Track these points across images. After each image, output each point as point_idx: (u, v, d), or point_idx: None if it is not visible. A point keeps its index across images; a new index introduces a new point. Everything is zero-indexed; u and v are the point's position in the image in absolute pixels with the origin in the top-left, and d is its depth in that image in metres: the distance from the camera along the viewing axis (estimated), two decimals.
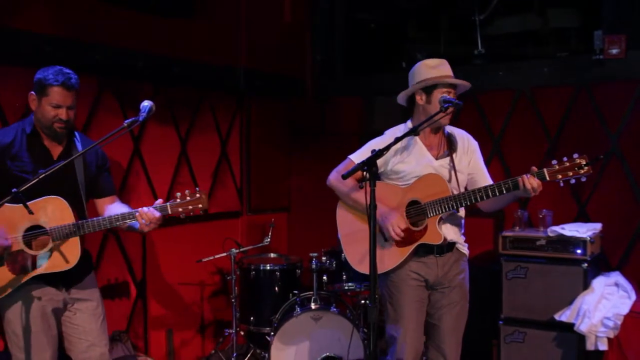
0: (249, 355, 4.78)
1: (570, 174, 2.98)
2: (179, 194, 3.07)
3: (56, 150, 3.12)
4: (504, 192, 3.08)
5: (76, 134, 3.23)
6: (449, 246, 3.32)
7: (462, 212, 3.40)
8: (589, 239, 4.13)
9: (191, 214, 3.07)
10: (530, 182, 2.99)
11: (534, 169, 3.03)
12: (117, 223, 3.03)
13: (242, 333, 4.74)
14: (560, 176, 2.99)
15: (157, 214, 3.02)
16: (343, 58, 6.11)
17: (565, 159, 3.00)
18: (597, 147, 4.59)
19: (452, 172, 3.30)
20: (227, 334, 4.72)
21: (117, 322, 4.43)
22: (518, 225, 4.58)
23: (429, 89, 3.28)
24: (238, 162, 5.52)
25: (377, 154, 2.83)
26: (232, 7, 5.32)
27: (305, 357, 4.26)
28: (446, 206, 3.18)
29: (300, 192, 6.05)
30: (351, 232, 3.41)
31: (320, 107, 6.02)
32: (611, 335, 3.88)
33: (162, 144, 4.77)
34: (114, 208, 3.26)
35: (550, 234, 4.25)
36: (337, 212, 3.48)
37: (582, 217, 4.69)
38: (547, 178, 3.01)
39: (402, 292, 3.33)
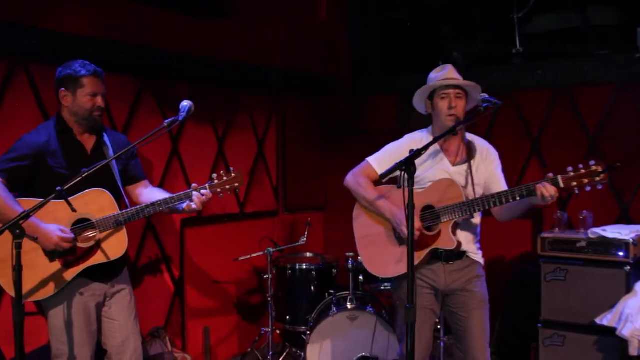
0: (284, 354, 4.80)
1: (586, 181, 2.89)
2: (215, 175, 3.10)
3: (89, 143, 3.17)
4: (518, 198, 3.01)
5: (104, 127, 3.28)
6: (458, 254, 3.27)
7: (477, 219, 3.34)
8: (631, 241, 4.04)
9: (229, 193, 3.12)
10: (547, 189, 2.91)
11: (550, 175, 2.95)
12: (160, 209, 3.06)
13: (278, 332, 4.76)
14: (575, 183, 2.90)
15: (210, 193, 3.06)
16: (378, 56, 6.09)
17: (581, 165, 2.92)
18: (639, 147, 4.49)
19: (469, 179, 3.27)
20: (263, 332, 4.74)
21: (156, 319, 4.50)
22: (557, 227, 4.51)
23: (430, 95, 3.32)
24: (274, 161, 5.54)
25: (416, 153, 2.81)
26: (268, 7, 5.34)
27: (341, 357, 4.25)
28: (460, 211, 3.15)
29: (335, 191, 6.03)
30: (368, 234, 3.44)
31: (355, 106, 6.00)
32: None
33: (200, 143, 4.82)
34: (149, 193, 3.32)
35: (591, 236, 4.17)
36: (354, 215, 3.52)
37: (625, 219, 4.59)
38: (562, 185, 2.92)
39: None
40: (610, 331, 3.91)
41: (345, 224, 5.85)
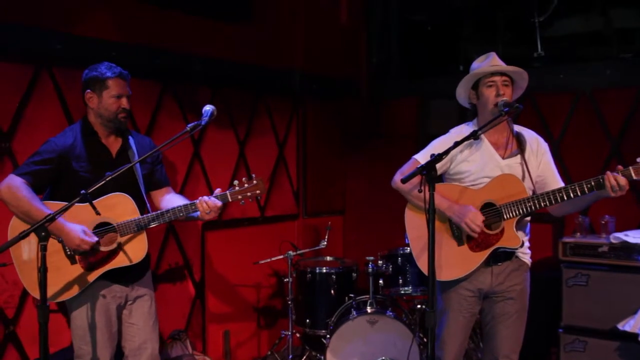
0: (304, 357, 4.81)
1: None
2: (236, 182, 3.12)
3: (114, 147, 3.21)
4: (587, 192, 2.92)
5: (130, 130, 3.31)
6: (506, 254, 3.17)
7: (528, 216, 3.23)
8: None
9: (250, 200, 3.12)
10: (618, 180, 2.83)
11: (620, 167, 2.87)
12: (180, 215, 3.10)
13: (298, 335, 4.77)
14: None
15: (218, 203, 3.08)
16: (398, 60, 6.09)
17: None
18: None
19: (525, 171, 3.16)
20: (283, 335, 4.75)
21: (177, 321, 4.53)
22: (579, 232, 4.48)
23: (475, 85, 3.21)
24: (295, 165, 5.56)
25: (436, 158, 2.75)
26: (289, 11, 5.37)
27: None
28: (524, 208, 3.03)
29: (355, 195, 6.05)
30: (421, 235, 3.21)
31: (376, 110, 6.01)
32: None
33: (221, 146, 4.86)
34: (171, 199, 3.35)
35: (613, 241, 4.14)
36: (406, 215, 3.35)
37: None
38: (634, 176, 2.84)
39: (452, 308, 3.26)
40: (633, 337, 3.87)
41: (365, 227, 5.91)
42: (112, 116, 3.12)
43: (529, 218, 3.27)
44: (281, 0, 5.30)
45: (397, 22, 6.09)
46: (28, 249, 3.01)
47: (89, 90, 3.12)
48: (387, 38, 6.09)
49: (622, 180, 2.84)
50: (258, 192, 3.13)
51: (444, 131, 3.42)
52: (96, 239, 2.99)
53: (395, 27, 6.09)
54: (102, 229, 3.05)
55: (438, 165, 2.99)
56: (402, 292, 4.43)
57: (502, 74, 3.16)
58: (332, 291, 4.63)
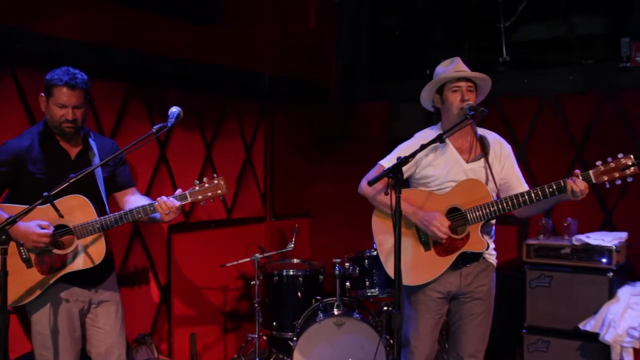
0: None
1: (617, 175, 2.89)
2: (197, 182, 3.07)
3: (73, 149, 3.16)
4: (548, 196, 2.98)
5: (90, 132, 3.25)
6: (474, 256, 3.21)
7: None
8: (614, 247, 4.09)
9: (212, 200, 3.07)
10: (577, 184, 2.90)
11: (578, 172, 2.94)
12: (139, 216, 3.05)
13: (264, 338, 4.76)
14: (606, 177, 2.90)
15: (177, 203, 3.03)
16: (367, 64, 6.12)
17: (609, 159, 2.90)
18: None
19: (489, 174, 3.21)
20: (249, 338, 4.73)
21: (142, 325, 4.48)
22: (542, 234, 4.56)
23: (440, 88, 3.25)
24: (262, 167, 5.55)
25: (403, 161, 2.79)
26: (258, 13, 5.36)
27: None
28: (489, 212, 3.08)
29: (323, 198, 6.06)
30: (388, 241, 3.27)
31: (344, 113, 6.03)
32: (637, 346, 3.84)
33: (188, 149, 4.82)
34: (134, 201, 3.29)
35: (575, 243, 4.22)
36: (373, 221, 3.38)
37: (608, 226, 4.64)
38: (594, 180, 2.91)
39: (420, 311, 3.29)
40: (594, 336, 3.96)
41: (333, 230, 5.93)
42: (56, 124, 3.06)
43: (494, 221, 3.31)
44: (250, 2, 5.28)
45: (366, 26, 6.11)
46: None
47: (42, 94, 3.07)
48: (356, 42, 6.11)
49: (582, 185, 2.91)
50: (219, 192, 3.06)
51: (412, 134, 3.44)
52: (52, 228, 2.92)
53: (364, 31, 6.11)
54: (58, 231, 3.01)
55: (404, 169, 3.00)
56: (369, 294, 4.45)
57: (467, 79, 3.20)
58: (299, 294, 4.63)
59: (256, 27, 5.35)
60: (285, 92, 5.58)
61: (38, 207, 2.71)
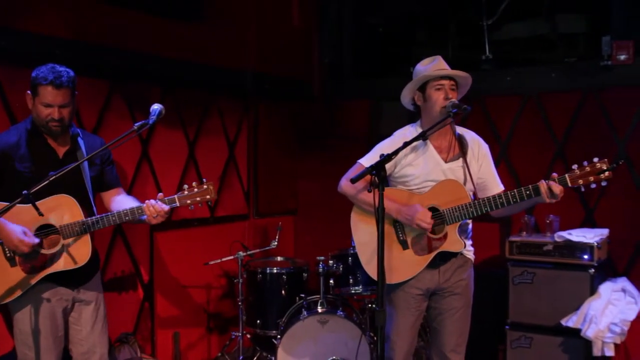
0: (255, 358, 4.80)
1: (592, 179, 2.94)
2: (186, 186, 3.08)
3: (61, 147, 3.13)
4: (525, 198, 3.02)
5: (79, 131, 3.22)
6: (451, 254, 3.25)
7: None
8: (595, 244, 4.12)
9: (200, 205, 3.08)
10: (552, 187, 2.95)
11: (555, 175, 2.98)
12: (127, 218, 3.05)
13: (248, 336, 4.75)
14: (581, 181, 2.95)
15: (166, 207, 3.03)
16: (351, 62, 6.12)
17: (585, 163, 2.95)
18: (604, 152, 4.55)
19: (467, 174, 3.23)
20: (233, 336, 4.73)
21: (124, 324, 4.45)
22: (525, 231, 4.59)
23: (422, 87, 3.25)
24: (245, 165, 5.53)
25: (386, 158, 2.81)
26: (241, 11, 5.33)
27: None
28: (466, 213, 3.11)
29: (307, 195, 6.06)
30: (368, 240, 3.28)
31: (328, 111, 6.03)
32: (618, 341, 3.88)
33: (170, 147, 4.80)
34: (121, 201, 3.27)
35: (557, 240, 4.25)
36: (352, 219, 3.39)
37: (589, 223, 4.68)
38: (569, 184, 2.96)
39: (400, 308, 3.30)
40: (576, 332, 4.00)
41: (317, 228, 5.92)
42: (42, 123, 3.02)
43: (470, 221, 3.35)
44: (234, 0, 5.26)
45: (351, 24, 6.11)
46: None
47: (28, 92, 3.04)
48: (340, 39, 6.11)
49: (557, 189, 2.96)
50: (208, 197, 3.09)
51: (393, 131, 3.44)
52: (37, 240, 2.91)
53: (348, 28, 6.11)
54: (44, 230, 2.98)
55: (386, 166, 3.02)
56: (353, 291, 4.45)
57: (450, 77, 3.22)
58: (283, 291, 4.63)
59: (240, 25, 5.33)
60: (269, 90, 5.56)
61: (23, 205, 2.69)
